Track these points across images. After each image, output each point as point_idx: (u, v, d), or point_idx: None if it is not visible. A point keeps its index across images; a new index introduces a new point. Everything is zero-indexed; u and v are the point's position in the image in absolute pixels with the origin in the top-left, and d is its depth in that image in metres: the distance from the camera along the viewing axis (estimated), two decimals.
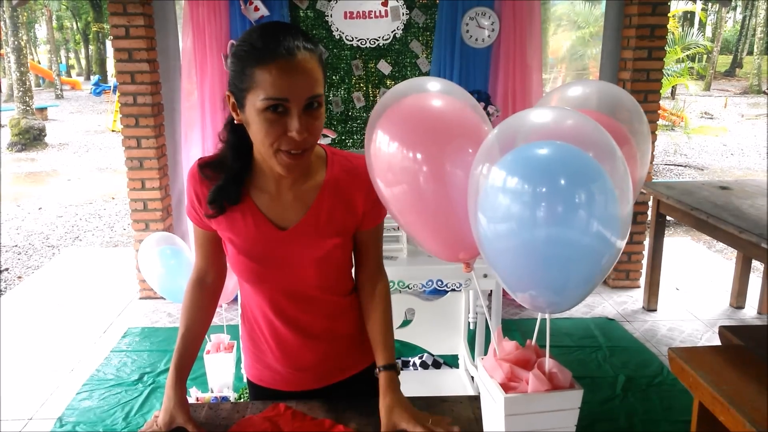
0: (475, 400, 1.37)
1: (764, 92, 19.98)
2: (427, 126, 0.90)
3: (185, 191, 1.27)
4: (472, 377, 2.53)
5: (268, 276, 1.26)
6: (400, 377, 1.27)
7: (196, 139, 3.92)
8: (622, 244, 0.78)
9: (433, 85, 0.97)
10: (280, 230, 1.23)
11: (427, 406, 1.33)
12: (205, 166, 1.23)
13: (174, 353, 1.29)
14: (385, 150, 0.92)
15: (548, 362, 0.91)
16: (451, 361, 3.02)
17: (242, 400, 2.67)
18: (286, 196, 1.23)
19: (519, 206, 0.74)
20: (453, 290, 2.55)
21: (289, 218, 1.24)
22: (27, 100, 11.90)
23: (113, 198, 7.69)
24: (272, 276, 1.26)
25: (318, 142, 1.16)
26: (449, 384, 2.52)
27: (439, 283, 2.61)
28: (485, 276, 2.58)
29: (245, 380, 1.48)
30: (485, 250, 0.81)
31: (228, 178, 1.19)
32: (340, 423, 1.26)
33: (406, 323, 2.69)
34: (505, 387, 0.89)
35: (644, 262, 4.11)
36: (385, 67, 3.85)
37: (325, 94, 1.11)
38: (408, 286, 2.44)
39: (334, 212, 1.24)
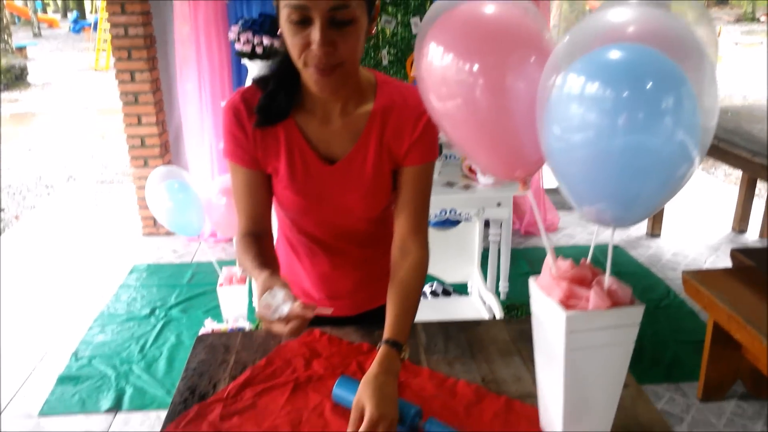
0: (507, 323, 1.37)
1: (758, 19, 19.62)
2: (484, 35, 0.85)
3: (222, 131, 1.18)
4: (485, 302, 2.55)
5: (313, 210, 1.22)
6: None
7: (192, 73, 3.78)
8: (700, 159, 0.74)
9: None
10: (327, 164, 1.18)
11: (464, 329, 1.34)
12: (248, 91, 1.16)
13: (258, 272, 1.07)
14: (438, 62, 0.86)
15: (608, 279, 0.89)
16: (460, 289, 3.05)
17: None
18: (335, 124, 1.16)
19: (597, 114, 0.69)
20: (466, 220, 2.54)
21: (337, 149, 1.18)
22: (6, 38, 11.47)
23: (103, 137, 7.53)
24: (317, 210, 1.22)
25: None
26: (463, 309, 2.54)
27: (453, 213, 2.59)
28: (499, 205, 2.56)
29: None
30: (555, 163, 0.78)
31: (278, 84, 1.12)
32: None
33: None
34: (564, 305, 0.88)
35: None
36: None
37: (375, 18, 1.06)
38: None
39: (384, 143, 1.17)
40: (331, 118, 1.16)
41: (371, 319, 1.38)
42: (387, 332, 1.10)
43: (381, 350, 1.07)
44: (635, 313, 0.88)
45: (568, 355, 0.88)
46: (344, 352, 1.25)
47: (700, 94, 0.70)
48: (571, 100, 0.72)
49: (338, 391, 1.08)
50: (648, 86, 0.68)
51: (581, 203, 0.80)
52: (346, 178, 1.18)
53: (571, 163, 0.76)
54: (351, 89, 1.14)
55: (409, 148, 1.17)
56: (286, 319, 0.95)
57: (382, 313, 1.35)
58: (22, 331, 3.00)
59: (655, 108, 0.68)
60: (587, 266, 0.94)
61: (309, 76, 1.04)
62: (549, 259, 0.93)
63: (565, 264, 0.93)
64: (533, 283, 0.95)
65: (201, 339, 1.32)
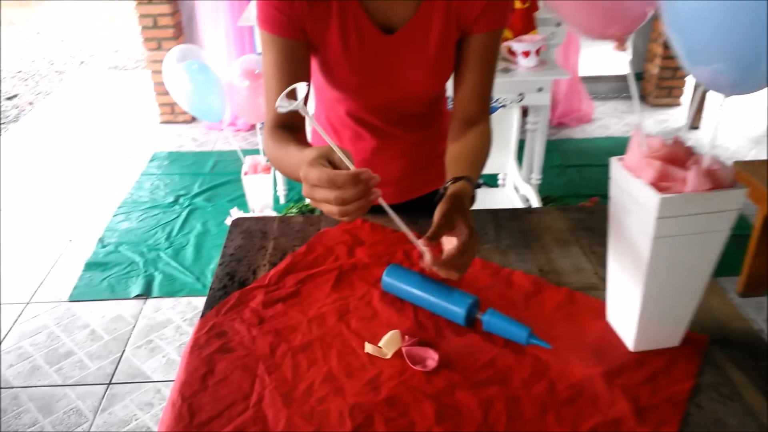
0: (563, 211, 1.28)
1: None
2: None
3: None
4: (520, 193, 2.46)
5: (365, 89, 1.07)
6: None
7: None
8: None
9: None
10: (385, 34, 1.01)
11: (515, 218, 1.24)
12: None
13: (296, 152, 0.91)
14: None
15: (709, 157, 0.77)
16: (490, 181, 2.95)
17: None
18: None
19: None
20: (503, 107, 2.39)
21: (397, 16, 1.00)
22: None
23: (111, 20, 7.22)
24: (371, 88, 1.07)
25: None
26: (496, 202, 2.45)
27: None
28: (539, 90, 2.40)
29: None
30: (674, 12, 0.64)
31: None
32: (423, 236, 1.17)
33: None
34: (656, 187, 0.77)
35: (689, 78, 3.88)
36: None
37: None
38: None
39: (452, 7, 1.00)
40: None
41: (417, 207, 1.29)
42: (459, 171, 0.96)
43: (458, 183, 0.92)
44: (737, 196, 0.77)
45: (656, 243, 0.78)
46: (389, 240, 1.17)
47: None
48: None
49: (388, 279, 1.00)
50: None
51: (696, 62, 0.67)
52: (406, 50, 1.02)
53: (696, 11, 0.62)
54: None
55: (481, 12, 1.00)
56: (343, 199, 0.71)
57: (429, 200, 1.25)
58: (45, 218, 2.97)
59: None
60: (680, 143, 0.82)
61: None
62: (638, 137, 0.81)
63: (656, 141, 0.81)
64: (617, 164, 0.84)
65: (236, 223, 1.25)
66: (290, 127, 1.04)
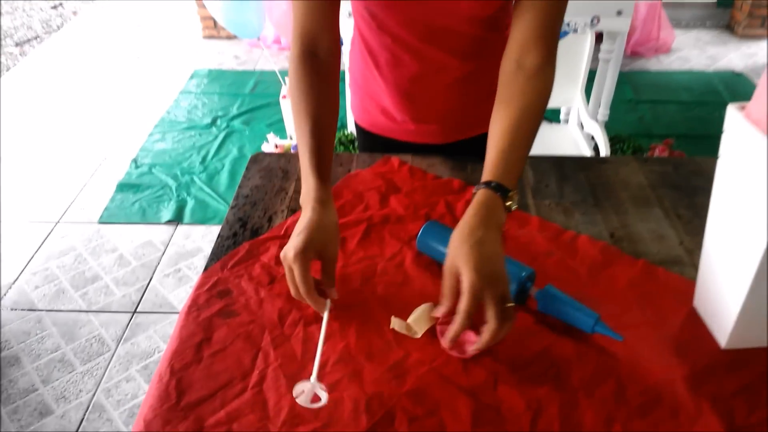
0: (643, 162, 1.06)
1: None
2: None
3: None
4: (585, 131, 2.21)
5: (406, 7, 0.87)
6: None
7: None
8: None
9: None
10: None
11: (584, 168, 1.04)
12: None
13: (307, 160, 0.80)
14: None
15: None
16: (551, 116, 2.68)
17: None
18: None
19: None
20: (575, 32, 2.10)
21: None
22: None
23: None
24: (413, 6, 0.87)
25: None
26: (557, 141, 2.21)
27: None
28: (619, 13, 2.09)
29: (353, 122, 1.18)
30: None
31: None
32: (472, 185, 0.98)
33: None
34: None
35: None
36: None
37: None
38: None
39: None
40: None
41: (465, 150, 1.09)
42: (487, 172, 0.76)
43: (478, 195, 0.74)
44: None
45: None
46: (429, 188, 0.99)
47: None
48: None
49: (425, 239, 0.83)
50: None
51: None
52: None
53: None
54: None
55: None
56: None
57: (481, 143, 1.04)
58: (80, 135, 2.89)
59: None
60: None
61: None
62: None
63: None
64: (736, 114, 0.63)
65: (255, 159, 1.09)
66: (321, 53, 0.85)
